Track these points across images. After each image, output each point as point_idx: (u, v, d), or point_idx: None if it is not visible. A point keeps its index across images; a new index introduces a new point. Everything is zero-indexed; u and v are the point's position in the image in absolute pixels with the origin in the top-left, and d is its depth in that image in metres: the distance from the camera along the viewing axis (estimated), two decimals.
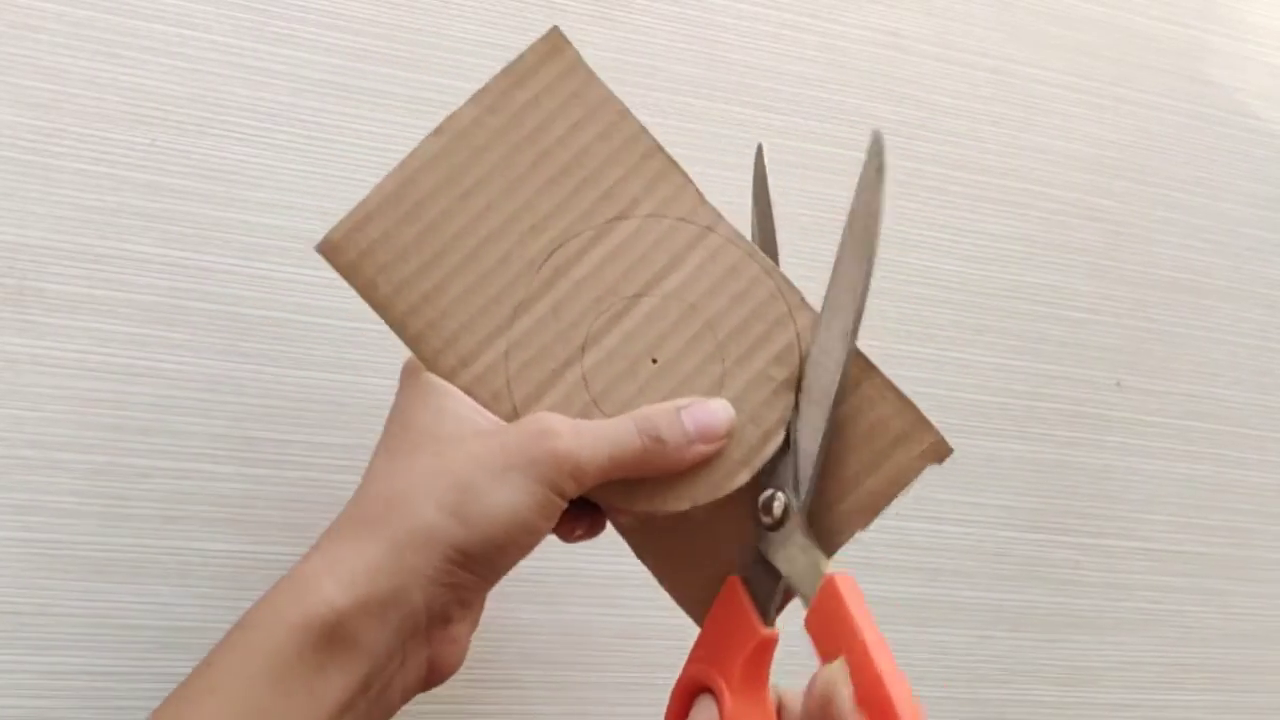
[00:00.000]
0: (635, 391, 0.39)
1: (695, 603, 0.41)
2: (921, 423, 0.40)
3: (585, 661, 0.52)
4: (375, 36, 0.52)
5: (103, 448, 0.46)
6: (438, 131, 0.40)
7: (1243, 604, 0.64)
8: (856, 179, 0.39)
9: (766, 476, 0.39)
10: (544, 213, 0.40)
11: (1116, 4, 0.66)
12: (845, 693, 0.33)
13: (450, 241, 0.40)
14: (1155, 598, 0.62)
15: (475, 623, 0.38)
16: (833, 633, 0.36)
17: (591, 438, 0.37)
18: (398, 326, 0.39)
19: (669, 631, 0.53)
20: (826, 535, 0.40)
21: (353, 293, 0.50)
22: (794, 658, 0.38)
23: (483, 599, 0.38)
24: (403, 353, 0.50)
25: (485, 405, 0.39)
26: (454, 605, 0.36)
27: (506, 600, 0.50)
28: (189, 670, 0.35)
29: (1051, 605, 0.60)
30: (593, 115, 0.41)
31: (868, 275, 0.39)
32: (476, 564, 0.35)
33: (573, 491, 0.36)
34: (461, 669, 0.43)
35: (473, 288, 0.39)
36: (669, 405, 0.38)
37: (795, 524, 0.39)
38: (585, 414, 0.39)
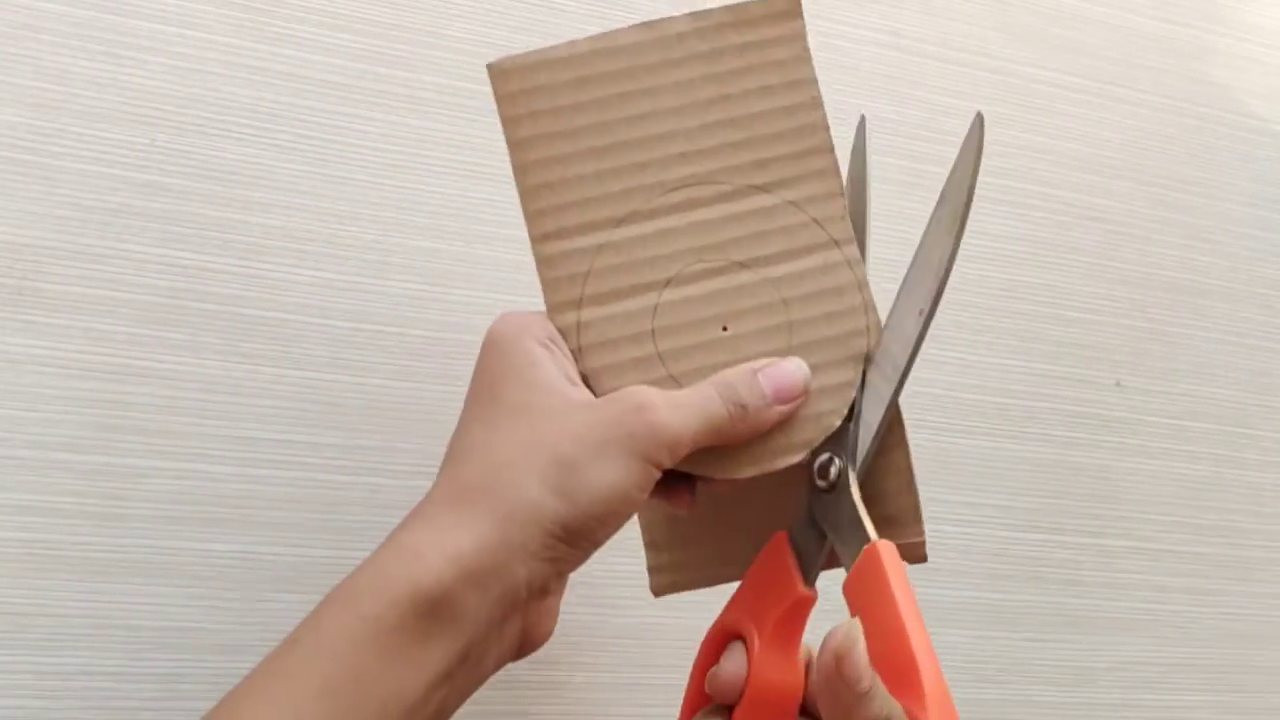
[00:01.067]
0: (695, 346, 0.40)
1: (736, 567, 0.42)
2: (914, 515, 0.40)
3: (585, 662, 0.52)
4: (375, 36, 0.52)
5: (102, 448, 0.46)
6: (647, 25, 0.41)
7: (1241, 604, 0.64)
8: (954, 156, 0.39)
9: (825, 440, 0.40)
10: (698, 148, 0.40)
11: (1116, 4, 0.66)
12: (861, 648, 0.33)
13: (604, 125, 0.40)
14: (1154, 598, 0.62)
15: (563, 593, 0.39)
16: (869, 599, 0.36)
17: (684, 409, 0.37)
18: (520, 172, 0.40)
19: (669, 631, 0.53)
20: None
21: (353, 293, 0.50)
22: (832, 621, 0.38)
23: (573, 570, 0.38)
24: (413, 352, 0.50)
25: (552, 283, 0.40)
26: (553, 578, 0.37)
27: None
28: (189, 670, 0.36)
29: (1050, 605, 0.60)
30: (788, 88, 0.41)
31: (953, 254, 0.39)
32: (577, 538, 0.36)
33: (668, 463, 0.37)
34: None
35: (603, 174, 0.40)
36: (745, 368, 0.39)
37: (846, 490, 0.39)
38: (639, 340, 0.39)
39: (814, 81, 0.41)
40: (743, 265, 0.40)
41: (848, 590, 0.37)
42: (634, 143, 0.40)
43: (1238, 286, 0.67)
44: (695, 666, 0.42)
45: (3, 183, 0.46)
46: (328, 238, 0.50)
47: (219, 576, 0.47)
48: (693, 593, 0.53)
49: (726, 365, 0.39)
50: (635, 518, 0.43)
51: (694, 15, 0.40)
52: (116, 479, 0.46)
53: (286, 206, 0.50)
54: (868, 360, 0.40)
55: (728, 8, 0.40)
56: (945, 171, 0.61)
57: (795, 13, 0.41)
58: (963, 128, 0.62)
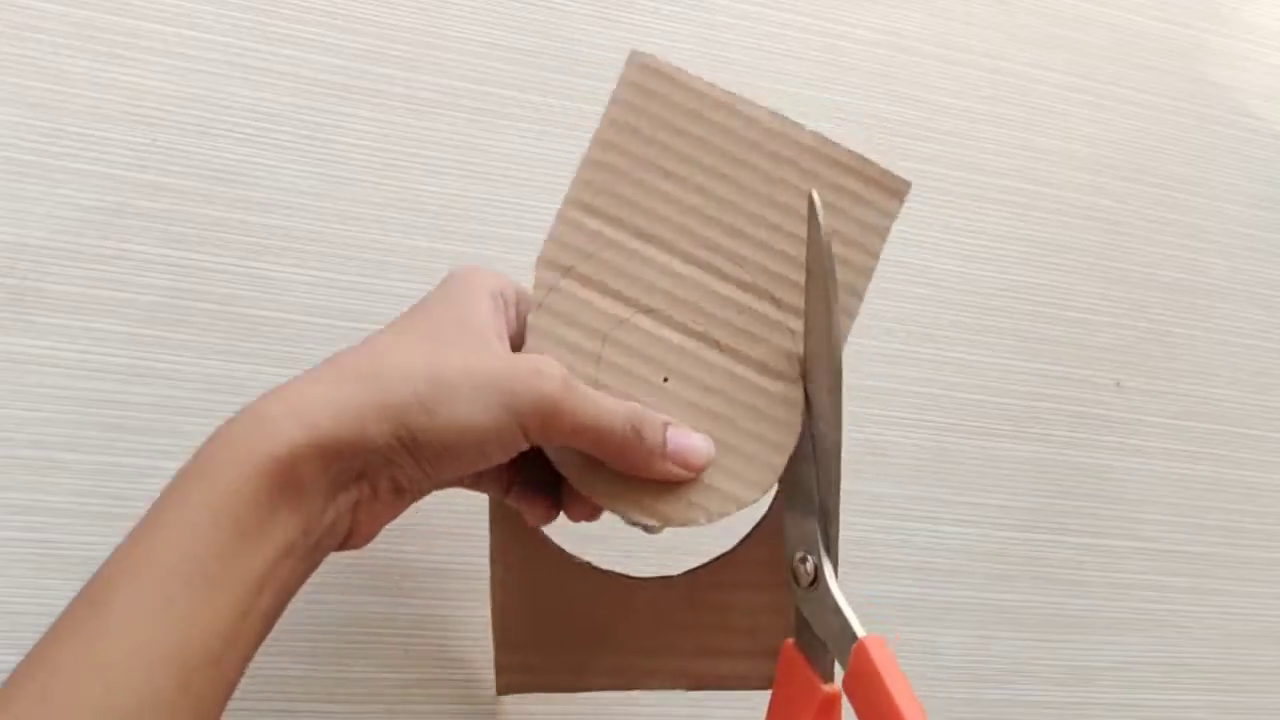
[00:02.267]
0: (633, 375, 0.40)
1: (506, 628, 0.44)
2: None
3: None
4: (375, 36, 0.52)
5: (103, 448, 0.46)
6: (779, 117, 0.43)
7: (1242, 604, 0.64)
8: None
9: (795, 538, 0.40)
10: (749, 234, 0.42)
11: (1116, 4, 0.66)
12: (653, 420, 0.36)
13: (688, 160, 0.42)
14: (1154, 598, 0.62)
15: (394, 514, 0.39)
16: (869, 699, 0.36)
17: (581, 397, 0.38)
18: (596, 145, 0.42)
19: None
20: None
21: (353, 293, 0.50)
22: None
23: (410, 498, 0.39)
24: None
25: (557, 242, 0.41)
26: (385, 479, 0.37)
27: None
28: None
29: (1050, 605, 0.60)
30: (853, 248, 0.42)
31: (837, 330, 0.40)
32: (421, 454, 0.36)
33: (536, 434, 0.37)
34: (460, 669, 0.43)
35: (657, 193, 0.42)
36: (661, 417, 0.40)
37: (826, 587, 0.39)
38: (591, 335, 0.40)
39: (878, 258, 0.42)
40: (718, 345, 0.41)
41: (847, 690, 0.37)
42: (701, 190, 0.42)
43: (1238, 286, 0.67)
44: None
45: (3, 183, 0.46)
46: (328, 238, 0.50)
47: None
48: None
49: (657, 407, 0.40)
50: (489, 615, 0.44)
51: (822, 139, 0.42)
52: (118, 479, 0.46)
53: (286, 206, 0.50)
54: (810, 535, 0.40)
55: (855, 154, 0.42)
56: (945, 171, 0.61)
57: (902, 195, 0.42)
58: (963, 127, 0.62)
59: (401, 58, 0.52)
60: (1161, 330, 0.64)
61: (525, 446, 0.38)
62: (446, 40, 0.53)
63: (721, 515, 0.40)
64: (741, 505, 0.40)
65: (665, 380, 0.41)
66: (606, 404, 0.38)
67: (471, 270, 0.41)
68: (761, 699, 0.42)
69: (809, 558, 0.40)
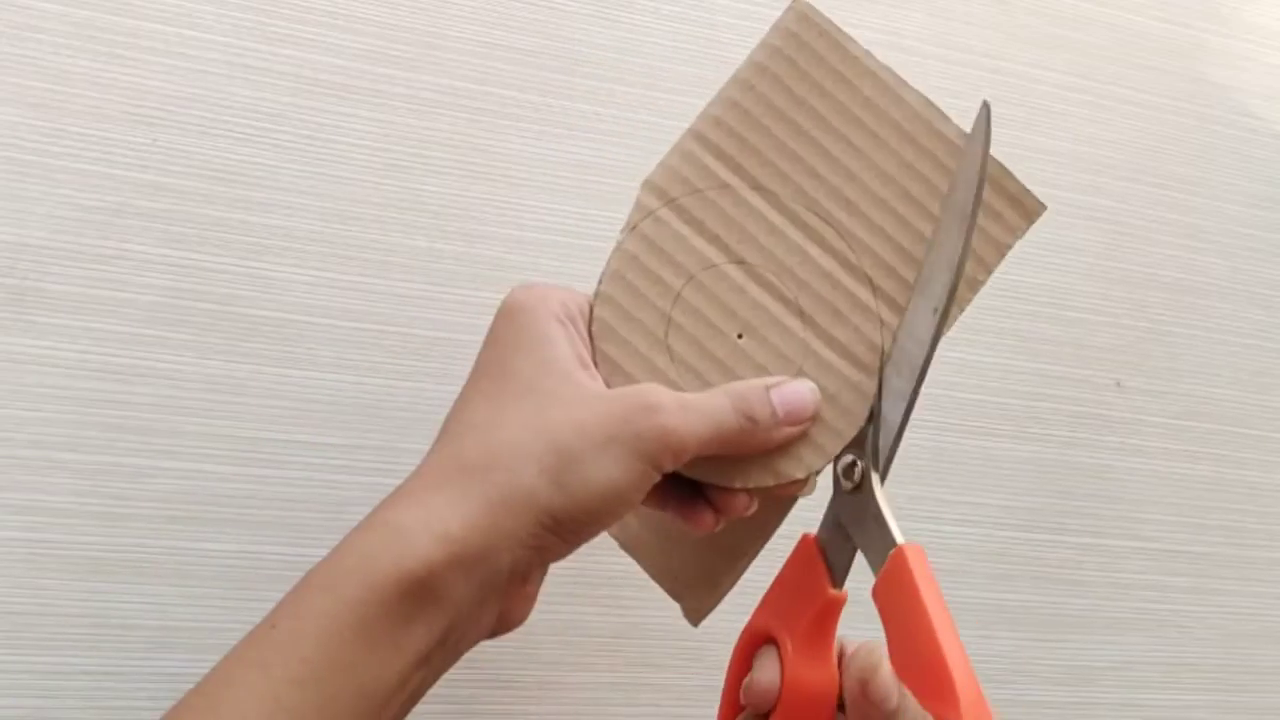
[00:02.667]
0: (707, 327, 0.40)
1: (683, 585, 0.42)
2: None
3: (584, 662, 0.52)
4: (375, 36, 0.52)
5: (103, 448, 0.46)
6: (931, 105, 0.42)
7: (1242, 604, 0.64)
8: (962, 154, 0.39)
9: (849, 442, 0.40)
10: (868, 214, 0.41)
11: (1116, 4, 0.66)
12: (885, 669, 0.33)
13: (824, 125, 0.41)
14: (1155, 597, 0.62)
15: (543, 579, 0.39)
16: (898, 605, 0.36)
17: (694, 414, 0.37)
18: (734, 84, 0.42)
19: (669, 632, 0.53)
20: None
21: (354, 293, 0.50)
22: (865, 618, 0.39)
23: (557, 560, 0.38)
24: (414, 352, 0.50)
25: (670, 170, 0.40)
26: (535, 565, 0.36)
27: None
28: (188, 670, 0.35)
29: (1051, 605, 0.60)
30: (974, 261, 0.42)
31: (966, 248, 0.39)
32: (566, 530, 0.35)
33: (669, 467, 0.37)
34: (459, 669, 0.43)
35: (783, 149, 0.41)
36: (759, 383, 0.39)
37: (870, 491, 0.39)
38: (664, 290, 0.40)
39: (990, 274, 0.42)
40: (802, 315, 0.40)
41: (877, 595, 0.37)
42: (829, 157, 0.41)
43: (1238, 286, 0.67)
44: (729, 673, 0.42)
45: (3, 183, 0.46)
46: (328, 238, 0.50)
47: (219, 576, 0.47)
48: None
49: (725, 361, 0.39)
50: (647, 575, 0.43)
51: (968, 138, 0.41)
52: (117, 479, 0.46)
53: (286, 206, 0.50)
54: (862, 437, 0.40)
55: (999, 164, 0.41)
56: None
57: (1033, 215, 0.42)
58: (963, 127, 0.62)
59: (401, 58, 0.52)
60: (1161, 330, 0.64)
61: (659, 479, 0.37)
62: (446, 40, 0.53)
63: (853, 433, 0.39)
64: (860, 420, 0.39)
65: (740, 337, 0.40)
66: (714, 404, 0.37)
67: (529, 296, 0.39)
68: None
69: (858, 461, 0.39)
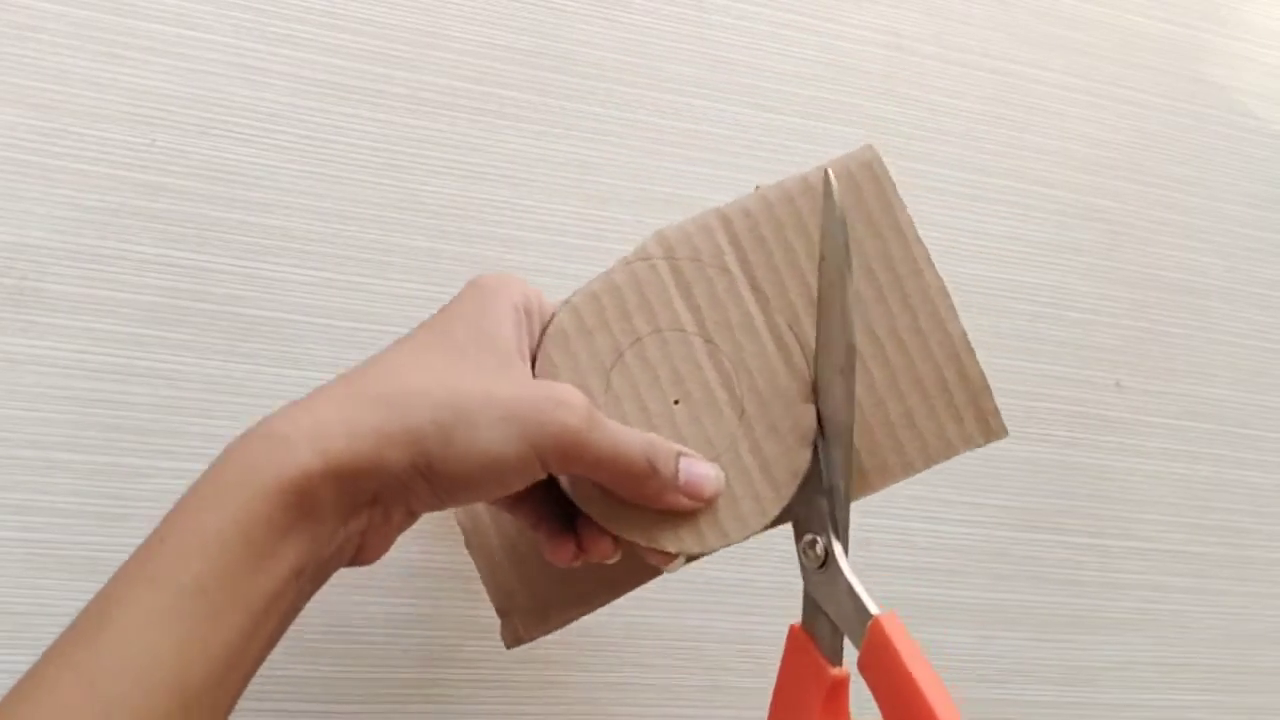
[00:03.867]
0: (650, 382, 0.40)
1: (513, 606, 0.43)
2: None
3: (581, 662, 0.52)
4: (375, 36, 0.52)
5: (102, 448, 0.46)
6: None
7: (1241, 604, 0.64)
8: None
9: (804, 520, 0.40)
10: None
11: (1116, 4, 0.66)
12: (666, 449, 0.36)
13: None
14: (1153, 598, 0.62)
15: (404, 529, 0.38)
16: (886, 676, 0.36)
17: (601, 429, 0.37)
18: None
19: (668, 631, 0.53)
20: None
21: (353, 293, 0.50)
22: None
23: (422, 513, 0.38)
24: None
25: (684, 227, 0.41)
26: (398, 504, 0.36)
27: None
28: None
29: (1050, 605, 0.60)
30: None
31: (850, 315, 0.40)
32: (438, 483, 0.36)
33: (556, 467, 0.37)
34: (458, 669, 0.43)
35: (789, 255, 0.42)
36: (675, 446, 0.39)
37: (837, 567, 0.39)
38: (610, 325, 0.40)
39: (920, 470, 0.42)
40: (742, 413, 0.41)
41: (862, 668, 0.37)
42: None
43: (1238, 286, 0.67)
44: None
45: (3, 183, 0.46)
46: (328, 238, 0.50)
47: None
48: (689, 593, 0.53)
49: (653, 416, 0.40)
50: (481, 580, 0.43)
51: (965, 342, 0.42)
52: (117, 479, 0.46)
53: (286, 206, 0.50)
54: (819, 514, 0.40)
55: (982, 378, 0.43)
56: (945, 171, 0.61)
57: (993, 437, 0.43)
58: (963, 127, 0.62)
59: (401, 58, 0.52)
60: (1161, 330, 0.64)
61: (542, 476, 0.37)
62: (446, 40, 0.53)
63: (738, 539, 0.40)
64: (750, 532, 0.40)
65: (676, 403, 0.40)
66: (625, 436, 0.38)
67: (496, 280, 0.40)
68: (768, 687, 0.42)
69: (818, 539, 0.40)
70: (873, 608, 0.38)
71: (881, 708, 0.36)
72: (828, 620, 0.40)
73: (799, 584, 0.41)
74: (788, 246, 0.41)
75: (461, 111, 0.53)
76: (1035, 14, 0.65)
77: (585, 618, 0.44)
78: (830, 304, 0.40)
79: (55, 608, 0.45)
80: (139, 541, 0.46)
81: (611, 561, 0.40)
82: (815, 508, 0.40)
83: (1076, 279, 0.63)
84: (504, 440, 0.35)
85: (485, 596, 0.44)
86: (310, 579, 0.36)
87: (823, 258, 0.40)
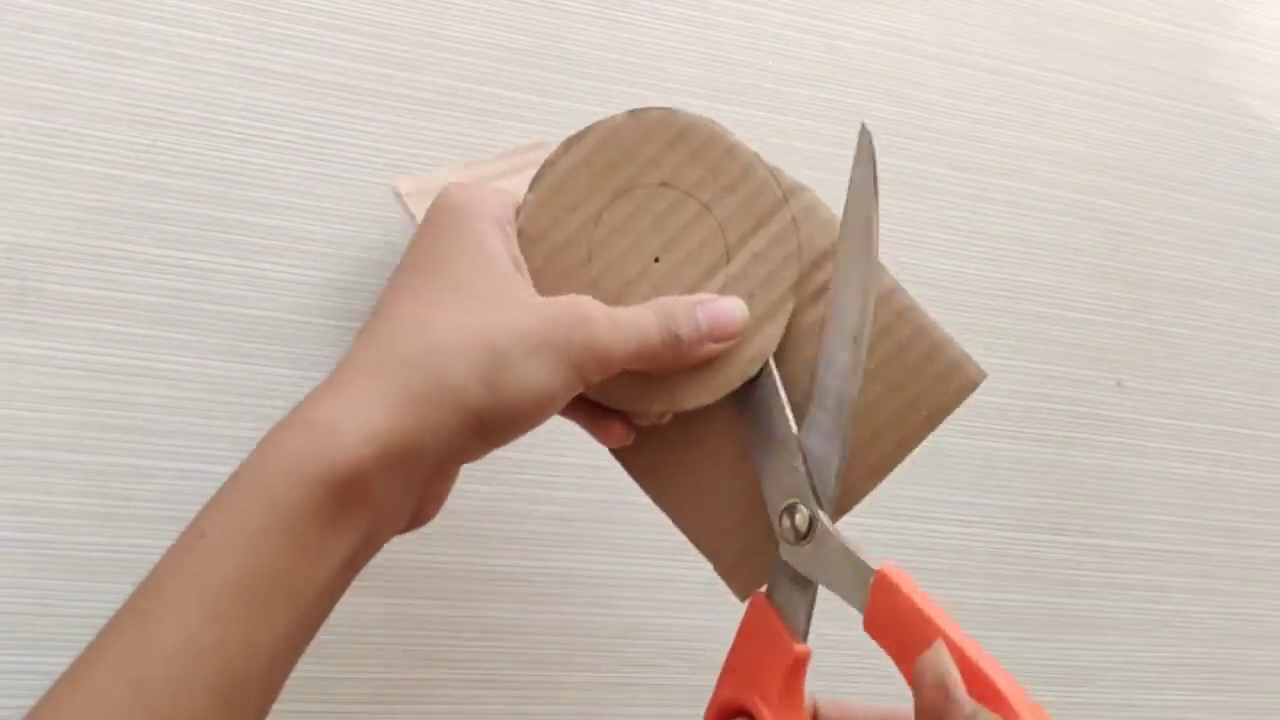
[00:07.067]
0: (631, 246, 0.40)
1: (710, 538, 0.42)
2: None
3: (580, 662, 0.52)
4: (375, 36, 0.52)
5: (103, 448, 0.46)
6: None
7: (1242, 604, 0.64)
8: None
9: (778, 491, 0.39)
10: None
11: (1116, 4, 0.66)
12: (955, 673, 0.32)
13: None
14: (1154, 598, 0.62)
15: (457, 476, 0.38)
16: (899, 626, 0.35)
17: (622, 329, 0.37)
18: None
19: (663, 631, 0.53)
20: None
21: (353, 293, 0.50)
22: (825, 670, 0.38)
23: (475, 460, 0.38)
24: None
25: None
26: (453, 462, 0.36)
27: (501, 600, 0.50)
28: None
29: (1050, 605, 0.60)
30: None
31: (871, 284, 0.38)
32: (491, 430, 0.35)
33: (595, 378, 0.37)
34: (458, 670, 0.43)
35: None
36: (688, 300, 0.39)
37: (825, 534, 0.38)
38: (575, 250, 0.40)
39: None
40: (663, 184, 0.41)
41: (870, 626, 0.36)
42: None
43: (1238, 286, 0.67)
44: None
45: (3, 183, 0.46)
46: (328, 238, 0.50)
47: None
48: (689, 593, 0.53)
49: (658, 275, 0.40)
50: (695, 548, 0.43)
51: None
52: (118, 479, 0.46)
53: (286, 206, 0.50)
54: (798, 290, 0.40)
55: (943, 337, 0.41)
56: (945, 171, 0.61)
57: (975, 381, 0.41)
58: (964, 127, 0.62)
59: (401, 58, 0.52)
60: (1161, 330, 0.64)
61: (581, 389, 0.37)
62: (446, 40, 0.53)
63: (768, 353, 0.40)
64: (765, 356, 0.40)
65: (657, 260, 0.40)
66: (639, 317, 0.37)
67: (467, 195, 0.38)
68: None
69: (799, 508, 0.39)
70: (872, 563, 0.36)
71: (898, 659, 0.35)
72: (798, 595, 0.38)
73: None
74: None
75: (461, 111, 0.53)
76: (1035, 14, 0.65)
77: (584, 618, 0.44)
78: (849, 267, 0.39)
79: (55, 608, 0.45)
80: (139, 541, 0.46)
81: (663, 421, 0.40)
82: (787, 478, 0.39)
83: (1077, 279, 0.63)
84: (545, 370, 0.35)
85: (485, 596, 0.45)
86: (363, 561, 0.35)
87: (846, 216, 0.39)
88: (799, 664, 0.39)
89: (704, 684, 0.47)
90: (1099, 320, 0.63)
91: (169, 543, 0.46)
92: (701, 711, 0.52)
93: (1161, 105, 0.66)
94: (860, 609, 0.36)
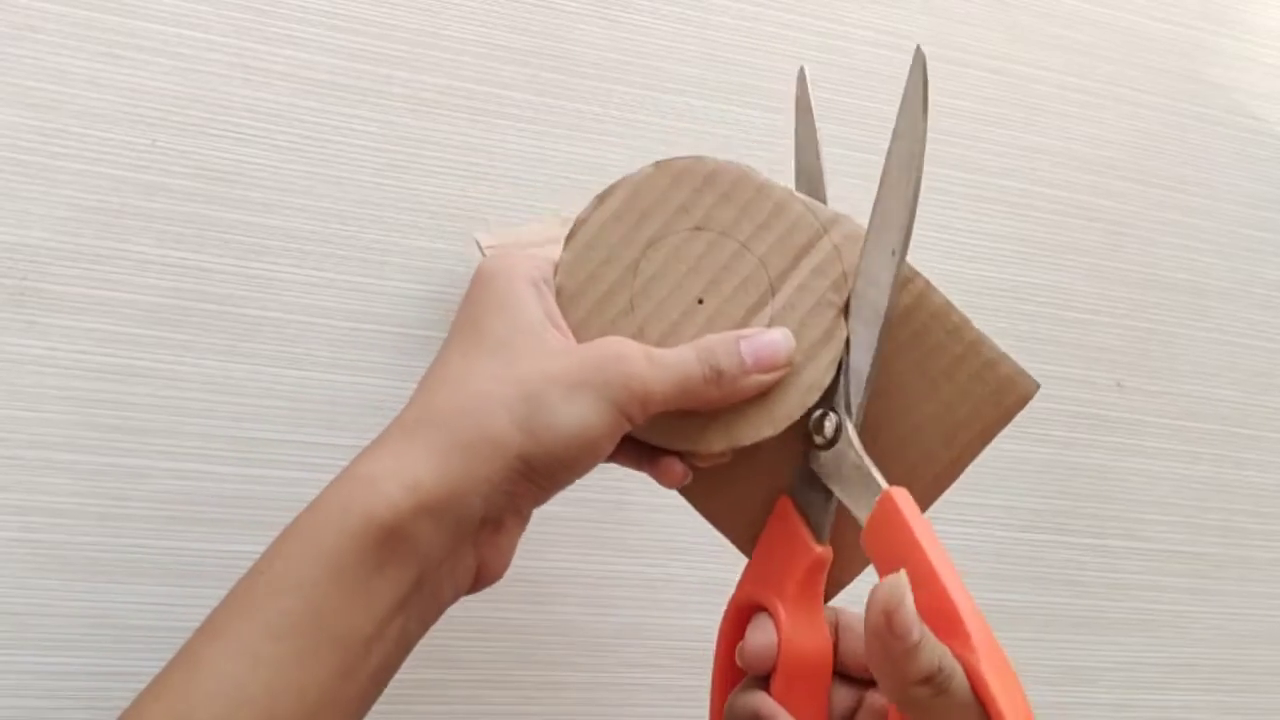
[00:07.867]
0: (679, 317, 0.40)
1: (746, 535, 0.42)
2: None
3: (581, 662, 0.52)
4: (375, 36, 0.52)
5: (103, 448, 0.46)
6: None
7: (1241, 604, 0.64)
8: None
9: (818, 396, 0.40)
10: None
11: (1116, 4, 0.66)
12: (909, 602, 0.32)
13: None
14: (1154, 598, 0.62)
15: (522, 530, 0.38)
16: (892, 548, 0.35)
17: (659, 366, 0.37)
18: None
19: (664, 631, 0.53)
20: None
21: (353, 293, 0.50)
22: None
23: (533, 509, 0.38)
24: (413, 352, 0.51)
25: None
26: (509, 512, 0.37)
27: (502, 600, 0.50)
28: None
29: (1050, 605, 0.60)
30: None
31: (914, 197, 0.38)
32: (538, 475, 0.36)
33: (638, 417, 0.37)
34: (458, 670, 0.43)
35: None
36: (730, 335, 0.39)
37: (847, 443, 0.39)
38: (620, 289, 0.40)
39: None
40: (698, 228, 0.41)
41: (867, 542, 0.37)
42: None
43: (1238, 287, 0.67)
44: (720, 644, 0.42)
45: (3, 183, 0.46)
46: (328, 238, 0.50)
47: (219, 576, 0.47)
48: (689, 593, 0.53)
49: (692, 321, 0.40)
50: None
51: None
52: (117, 479, 0.46)
53: (286, 206, 0.50)
54: (846, 313, 0.40)
55: (995, 352, 0.41)
56: (945, 171, 0.61)
57: (1027, 395, 0.41)
58: (963, 127, 0.62)
59: (401, 58, 0.52)
60: (1161, 330, 0.64)
61: (627, 429, 0.37)
62: (446, 40, 0.53)
63: (827, 379, 0.40)
64: (824, 385, 0.40)
65: (700, 302, 0.40)
66: (680, 356, 0.38)
67: (499, 264, 0.40)
68: None
69: (830, 414, 0.39)
70: (883, 482, 0.37)
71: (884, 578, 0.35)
72: (821, 499, 0.39)
73: None
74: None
75: (461, 111, 0.53)
76: (1035, 14, 0.65)
77: (584, 618, 0.44)
78: (894, 184, 0.39)
79: (55, 608, 0.45)
80: (137, 541, 0.46)
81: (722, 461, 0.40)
82: (831, 383, 0.39)
83: (1077, 279, 0.63)
84: (583, 410, 0.35)
85: (485, 596, 0.44)
86: (420, 612, 0.36)
87: (896, 129, 0.39)
88: (817, 565, 0.39)
89: (704, 684, 0.47)
90: (1099, 320, 0.63)
91: (168, 542, 0.47)
92: (702, 712, 0.52)
93: (1161, 105, 0.66)
94: (861, 523, 0.37)
